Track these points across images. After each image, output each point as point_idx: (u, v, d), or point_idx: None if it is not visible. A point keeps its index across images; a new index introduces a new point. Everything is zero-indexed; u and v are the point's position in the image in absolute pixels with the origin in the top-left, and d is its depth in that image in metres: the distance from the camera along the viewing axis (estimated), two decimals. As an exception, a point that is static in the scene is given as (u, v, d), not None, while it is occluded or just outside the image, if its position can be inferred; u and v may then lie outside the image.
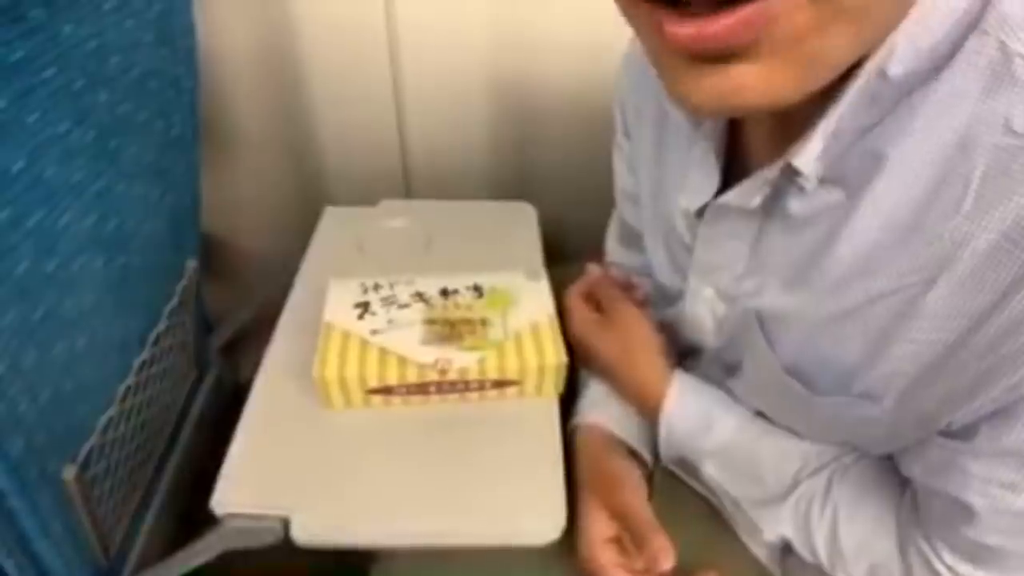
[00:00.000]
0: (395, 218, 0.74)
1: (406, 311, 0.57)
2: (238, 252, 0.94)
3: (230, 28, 0.76)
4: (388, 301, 0.58)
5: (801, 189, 0.38)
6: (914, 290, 0.34)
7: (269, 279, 0.76)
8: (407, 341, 0.54)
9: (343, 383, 0.53)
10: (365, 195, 0.77)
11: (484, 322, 0.57)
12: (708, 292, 0.49)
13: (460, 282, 0.60)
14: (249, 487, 0.49)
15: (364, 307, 0.58)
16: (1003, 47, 0.30)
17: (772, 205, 0.41)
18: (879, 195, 0.35)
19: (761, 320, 0.44)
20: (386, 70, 0.77)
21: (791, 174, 0.37)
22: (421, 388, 0.54)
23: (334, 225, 0.74)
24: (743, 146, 0.44)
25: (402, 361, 0.53)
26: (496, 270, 0.62)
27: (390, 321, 0.56)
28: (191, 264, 0.75)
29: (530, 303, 0.59)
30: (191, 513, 0.64)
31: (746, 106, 0.29)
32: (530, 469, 0.51)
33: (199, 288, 0.80)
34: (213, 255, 0.86)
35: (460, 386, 0.55)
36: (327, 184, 0.86)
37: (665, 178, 0.52)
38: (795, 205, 0.39)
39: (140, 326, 0.67)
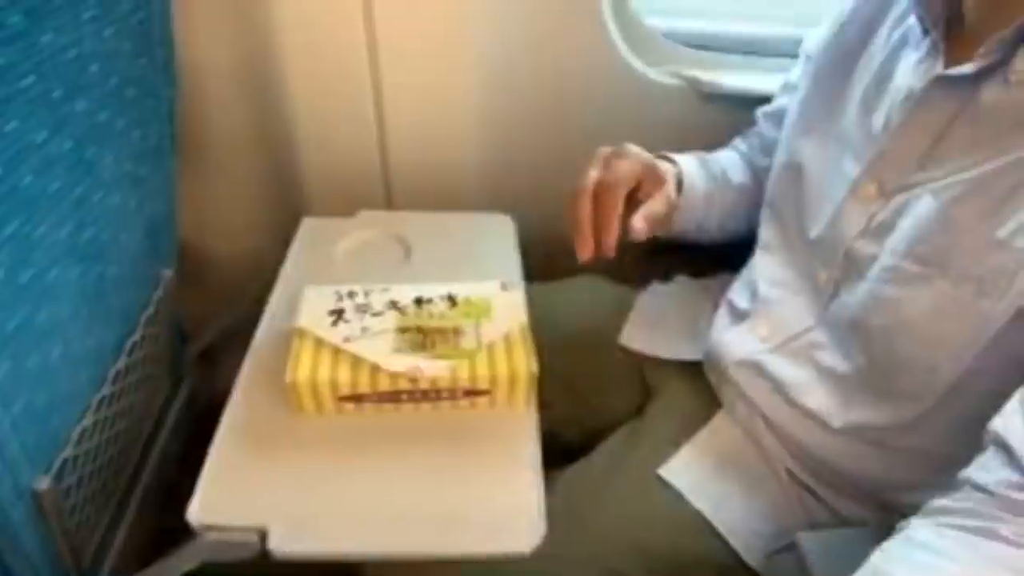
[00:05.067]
0: (373, 229, 0.75)
1: (380, 319, 0.58)
2: (215, 261, 0.94)
3: (210, 37, 0.76)
4: (362, 309, 0.59)
5: (1006, 79, 0.46)
6: None
7: (247, 289, 0.76)
8: (379, 349, 0.55)
9: (315, 389, 0.54)
10: (345, 205, 0.78)
11: (457, 331, 0.58)
12: (871, 189, 0.55)
13: (435, 291, 0.61)
14: (225, 499, 0.49)
15: (338, 314, 0.58)
16: None
17: (972, 89, 0.48)
18: None
19: (934, 193, 0.49)
20: (366, 80, 0.78)
21: (1014, 46, 0.44)
22: (393, 396, 0.55)
23: (312, 236, 0.75)
24: (960, 48, 0.51)
25: (374, 369, 0.54)
26: (476, 278, 0.63)
27: (364, 329, 0.57)
28: (167, 274, 0.76)
29: (503, 314, 0.60)
30: (166, 525, 0.64)
31: None
32: (507, 479, 0.52)
33: (175, 297, 0.81)
34: (190, 264, 0.86)
35: (432, 395, 0.55)
36: (307, 194, 0.86)
37: (887, 85, 0.58)
38: (992, 93, 0.47)
39: (115, 336, 0.67)
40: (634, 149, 0.63)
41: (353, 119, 0.80)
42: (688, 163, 0.71)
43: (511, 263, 0.72)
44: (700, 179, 0.71)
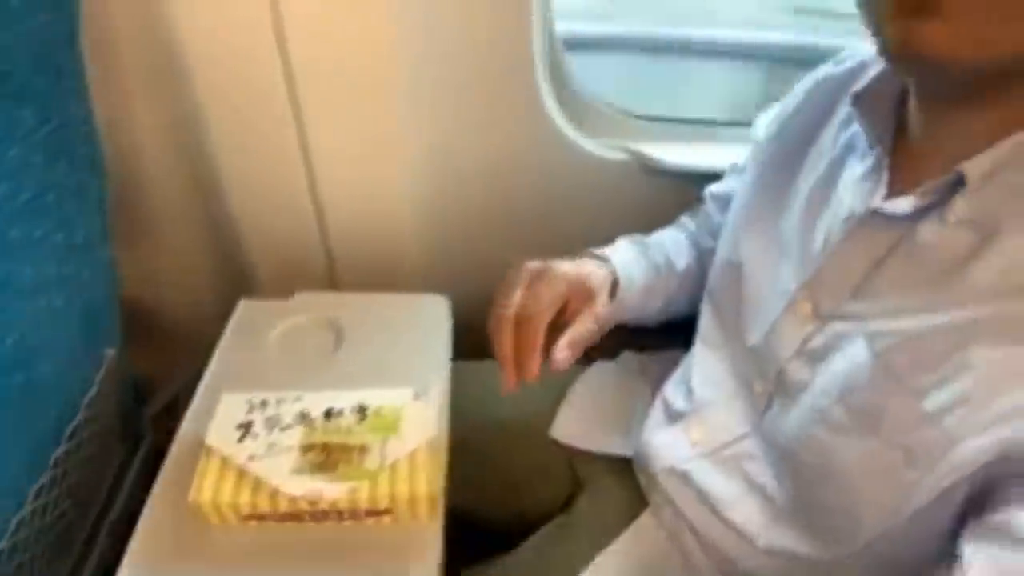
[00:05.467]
0: (308, 312, 0.75)
1: (287, 433, 0.59)
2: (166, 321, 0.96)
3: (139, 120, 0.77)
4: (271, 422, 0.60)
5: (942, 221, 0.45)
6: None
7: (197, 349, 0.78)
8: (280, 470, 0.56)
9: (218, 508, 0.55)
10: (290, 282, 0.79)
11: (362, 449, 0.58)
12: (806, 308, 0.53)
13: (347, 401, 0.62)
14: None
15: (246, 428, 0.59)
16: None
17: (909, 226, 0.47)
18: (1007, 249, 0.42)
19: (868, 338, 0.48)
20: (299, 162, 0.77)
21: (950, 189, 0.44)
22: (294, 516, 0.56)
23: (248, 319, 0.75)
24: (906, 166, 0.50)
25: (275, 490, 0.55)
26: (404, 364, 0.66)
27: (270, 445, 0.58)
28: (110, 352, 0.77)
29: (413, 428, 0.60)
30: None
31: (922, 55, 0.39)
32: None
33: (125, 365, 0.82)
34: (142, 323, 0.88)
35: (333, 515, 0.56)
36: (250, 273, 0.87)
37: (830, 194, 0.56)
38: (929, 232, 0.46)
39: (53, 426, 0.69)
40: (561, 268, 0.62)
41: (288, 199, 0.80)
42: (625, 258, 0.69)
43: (441, 347, 0.72)
44: (640, 272, 0.70)
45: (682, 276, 0.73)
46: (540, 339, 0.58)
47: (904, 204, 0.47)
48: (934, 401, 0.43)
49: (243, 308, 0.76)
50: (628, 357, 0.81)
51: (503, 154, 0.84)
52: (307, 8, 0.69)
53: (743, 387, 0.61)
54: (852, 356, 0.48)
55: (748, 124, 0.73)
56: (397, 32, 0.72)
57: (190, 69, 0.73)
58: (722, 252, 0.66)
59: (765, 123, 0.67)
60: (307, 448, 0.58)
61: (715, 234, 0.70)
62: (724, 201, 0.72)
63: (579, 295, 0.62)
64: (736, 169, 0.72)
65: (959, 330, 0.43)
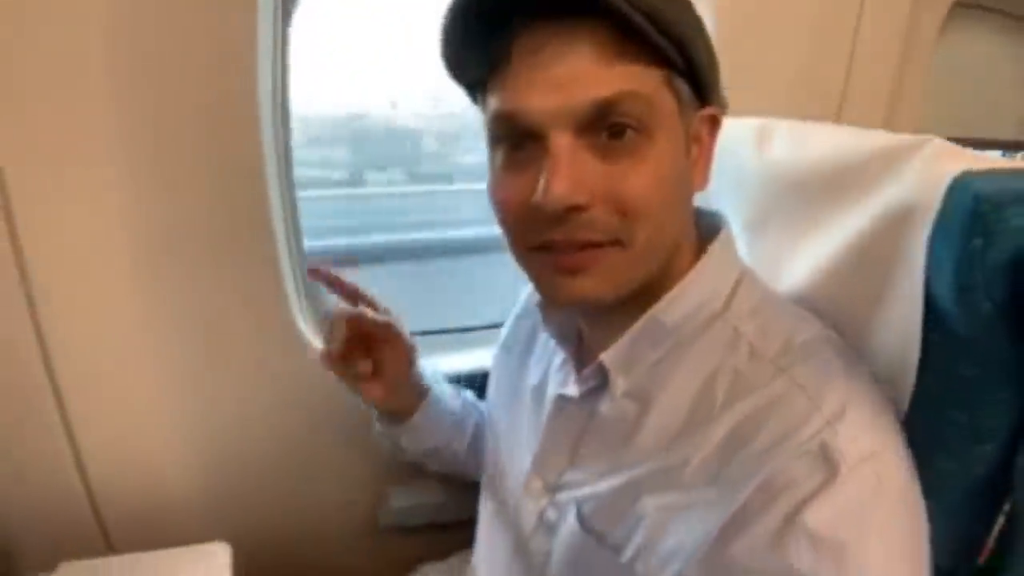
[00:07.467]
0: (72, 586, 0.72)
1: None
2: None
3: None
4: None
5: (612, 397, 0.57)
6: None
7: None
8: None
9: None
10: (62, 550, 0.76)
11: None
12: (537, 484, 0.63)
13: None
14: None
15: None
16: (735, 330, 0.54)
17: (592, 403, 0.59)
18: (658, 411, 0.54)
19: (578, 504, 0.58)
20: (53, 413, 0.79)
21: (604, 373, 0.57)
22: None
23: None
24: (587, 355, 0.62)
25: None
26: None
27: None
28: None
29: None
30: None
31: (584, 299, 0.52)
32: None
33: None
34: None
35: None
36: (12, 550, 0.82)
37: (546, 384, 0.69)
38: (605, 407, 0.58)
39: None
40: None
41: (45, 459, 0.80)
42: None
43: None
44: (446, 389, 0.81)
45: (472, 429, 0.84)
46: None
47: (573, 389, 0.59)
48: (627, 552, 0.53)
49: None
50: (429, 568, 0.86)
51: (262, 383, 0.89)
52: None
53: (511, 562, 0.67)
54: (569, 522, 0.58)
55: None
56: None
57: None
58: (489, 440, 0.77)
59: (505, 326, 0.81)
60: None
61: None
62: None
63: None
64: None
65: (634, 485, 0.53)
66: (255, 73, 0.76)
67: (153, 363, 0.83)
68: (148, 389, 0.84)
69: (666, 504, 0.51)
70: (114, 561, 0.76)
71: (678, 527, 0.50)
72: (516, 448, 0.69)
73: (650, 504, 0.52)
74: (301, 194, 0.92)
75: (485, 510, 0.75)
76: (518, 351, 0.76)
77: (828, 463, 0.44)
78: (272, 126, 0.83)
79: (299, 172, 0.92)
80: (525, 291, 0.80)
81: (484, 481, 0.76)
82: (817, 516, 0.43)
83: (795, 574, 0.43)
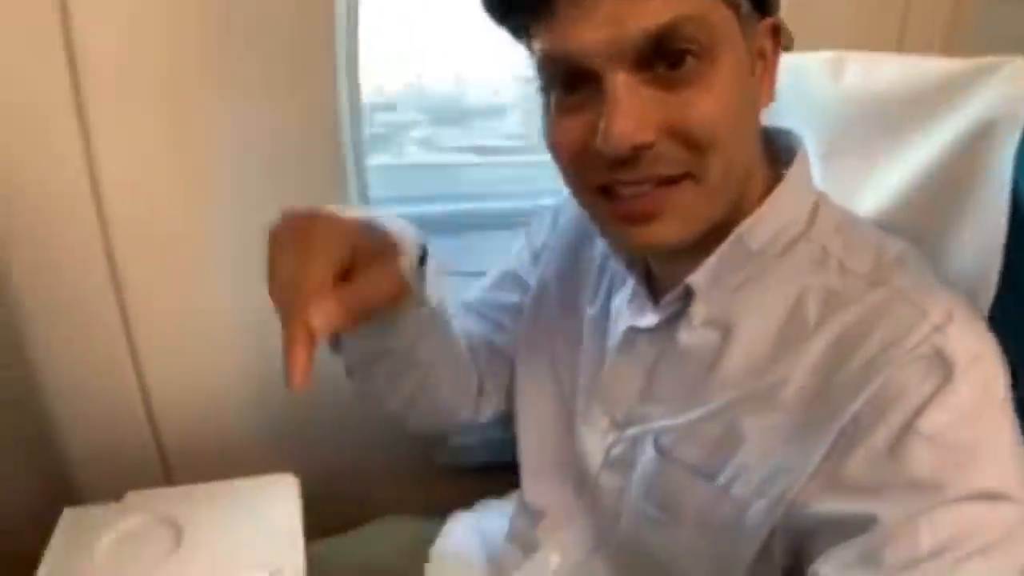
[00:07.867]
0: (140, 514, 0.71)
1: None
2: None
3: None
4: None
5: (690, 325, 0.54)
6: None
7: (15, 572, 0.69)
8: None
9: None
10: (119, 484, 0.75)
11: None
12: (604, 422, 0.61)
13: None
14: None
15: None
16: (824, 248, 0.51)
17: (668, 334, 0.56)
18: (744, 337, 0.52)
19: (655, 436, 0.56)
20: (124, 353, 0.78)
21: (686, 299, 0.54)
22: None
23: (73, 529, 0.70)
24: (659, 285, 0.59)
25: None
26: (254, 551, 0.65)
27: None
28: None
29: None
30: None
31: (659, 246, 0.49)
32: None
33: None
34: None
35: None
36: (75, 478, 0.82)
37: (606, 319, 0.64)
38: (684, 336, 0.55)
39: None
40: (337, 214, 0.46)
41: (113, 394, 0.78)
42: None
43: (293, 528, 0.71)
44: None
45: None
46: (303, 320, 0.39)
47: (649, 319, 0.57)
48: (721, 478, 0.51)
49: (67, 518, 0.71)
50: (488, 503, 0.84)
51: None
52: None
53: (582, 502, 0.65)
54: (647, 456, 0.56)
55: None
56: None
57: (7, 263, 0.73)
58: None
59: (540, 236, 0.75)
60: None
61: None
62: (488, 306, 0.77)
63: (368, 247, 0.45)
64: (516, 282, 0.76)
65: (724, 412, 0.52)
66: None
67: (219, 298, 0.82)
68: (213, 323, 0.82)
69: (767, 425, 0.49)
70: (181, 491, 0.76)
71: (780, 447, 0.49)
72: (568, 384, 0.67)
73: (748, 426, 0.50)
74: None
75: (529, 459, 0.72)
76: (556, 291, 0.71)
77: (943, 367, 0.43)
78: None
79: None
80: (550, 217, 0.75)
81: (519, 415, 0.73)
82: (935, 420, 0.42)
83: (916, 482, 0.42)
